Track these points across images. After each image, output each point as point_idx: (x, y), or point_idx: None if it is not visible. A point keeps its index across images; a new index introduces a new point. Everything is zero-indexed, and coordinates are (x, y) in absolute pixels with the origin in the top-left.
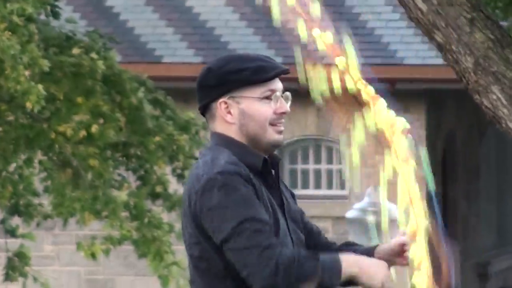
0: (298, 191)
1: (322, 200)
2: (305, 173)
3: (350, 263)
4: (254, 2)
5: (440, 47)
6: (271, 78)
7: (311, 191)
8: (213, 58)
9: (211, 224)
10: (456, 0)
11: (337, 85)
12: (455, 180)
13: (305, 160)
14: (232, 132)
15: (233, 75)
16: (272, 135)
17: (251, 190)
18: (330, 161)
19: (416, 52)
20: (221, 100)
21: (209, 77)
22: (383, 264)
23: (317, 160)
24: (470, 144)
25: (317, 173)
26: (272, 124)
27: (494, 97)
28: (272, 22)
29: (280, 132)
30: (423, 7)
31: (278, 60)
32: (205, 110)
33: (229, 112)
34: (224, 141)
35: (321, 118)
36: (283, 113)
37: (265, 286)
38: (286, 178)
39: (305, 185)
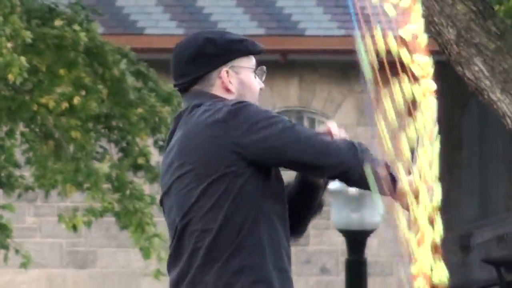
0: None
1: None
2: None
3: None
4: None
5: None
6: (263, 51)
7: None
8: (196, 30)
9: (260, 135)
10: None
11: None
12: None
13: None
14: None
15: (235, 45)
16: None
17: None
18: None
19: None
20: (224, 69)
21: (209, 47)
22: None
23: None
24: (452, 115)
25: None
26: None
27: (476, 68)
28: None
29: None
30: None
31: (261, 31)
32: (195, 80)
33: (230, 81)
34: (212, 97)
35: (303, 90)
36: (261, 89)
37: (349, 159)
38: None
39: None
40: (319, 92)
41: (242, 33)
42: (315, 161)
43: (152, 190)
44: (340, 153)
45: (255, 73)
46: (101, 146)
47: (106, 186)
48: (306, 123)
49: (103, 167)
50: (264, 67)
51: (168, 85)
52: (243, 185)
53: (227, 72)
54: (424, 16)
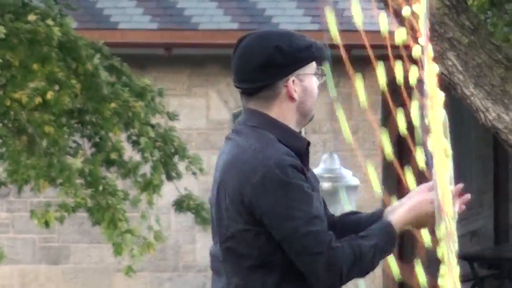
0: None
1: None
2: None
3: (400, 224)
4: None
5: (396, 14)
6: (326, 56)
7: None
8: (169, 24)
9: (270, 221)
10: None
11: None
12: (408, 148)
13: None
14: (289, 109)
15: (303, 53)
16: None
17: (307, 183)
18: None
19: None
20: (291, 78)
21: (278, 56)
22: (424, 206)
23: None
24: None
25: None
26: None
27: (450, 63)
28: None
29: None
30: None
31: (234, 26)
32: (261, 88)
33: (294, 90)
34: (266, 122)
35: None
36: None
37: (338, 281)
38: None
39: None
40: None
41: (216, 28)
42: (307, 274)
43: (125, 185)
44: (326, 282)
45: (317, 76)
46: (74, 141)
47: (79, 181)
48: None
49: (76, 162)
50: (324, 69)
51: (141, 80)
52: (265, 242)
53: (293, 81)
54: (397, 10)
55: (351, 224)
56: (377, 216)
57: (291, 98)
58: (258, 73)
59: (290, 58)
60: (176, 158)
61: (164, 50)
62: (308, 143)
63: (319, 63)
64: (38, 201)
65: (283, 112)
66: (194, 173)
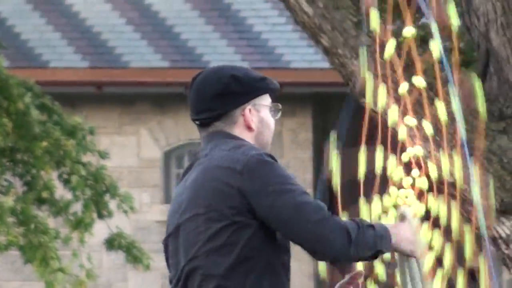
0: None
1: None
2: None
3: (393, 231)
4: (141, 7)
5: (326, 51)
6: (278, 90)
7: None
8: (100, 62)
9: (263, 201)
10: (342, 4)
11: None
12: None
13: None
14: (248, 139)
15: (258, 83)
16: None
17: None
18: None
19: (302, 55)
20: (248, 107)
21: (235, 84)
22: (416, 230)
23: None
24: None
25: None
26: None
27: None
28: (158, 26)
29: None
30: (309, 10)
31: (165, 64)
32: (219, 117)
33: (251, 119)
34: (230, 136)
35: None
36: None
37: (339, 255)
38: (173, 183)
39: None
40: None
41: (147, 66)
42: (307, 247)
43: (56, 223)
44: (331, 246)
45: (273, 110)
46: (5, 180)
47: (10, 219)
48: None
49: (8, 201)
50: (280, 105)
51: (72, 118)
52: (251, 236)
53: (250, 110)
54: (327, 48)
55: None
56: None
57: (249, 127)
58: (215, 102)
59: (246, 86)
60: (107, 197)
61: (95, 88)
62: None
63: (273, 98)
64: None
65: (235, 135)
66: (125, 211)
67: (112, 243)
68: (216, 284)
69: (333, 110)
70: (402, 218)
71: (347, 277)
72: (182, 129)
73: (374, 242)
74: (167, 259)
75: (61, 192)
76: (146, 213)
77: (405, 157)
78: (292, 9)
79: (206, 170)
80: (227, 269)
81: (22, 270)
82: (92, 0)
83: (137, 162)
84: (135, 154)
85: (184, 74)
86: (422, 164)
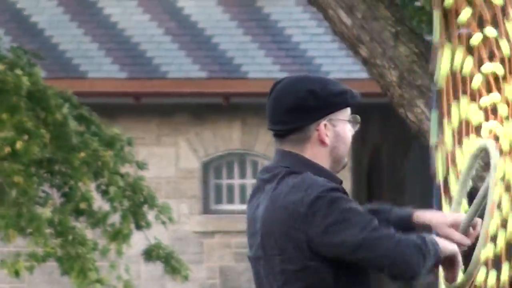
0: (223, 206)
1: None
2: (230, 188)
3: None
4: (179, 17)
5: (365, 61)
6: (359, 102)
7: (236, 206)
8: (138, 73)
9: (335, 239)
10: (381, 14)
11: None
12: (380, 195)
13: (230, 175)
14: (322, 154)
15: (336, 98)
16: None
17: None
18: (255, 175)
19: (340, 66)
20: (323, 122)
21: (311, 99)
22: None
23: (242, 175)
24: (396, 158)
25: (243, 187)
26: None
27: (419, 110)
28: (196, 36)
29: None
30: (348, 21)
31: (203, 74)
32: (293, 130)
33: (326, 135)
34: (299, 162)
35: (246, 133)
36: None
37: (417, 274)
38: (211, 194)
39: (231, 200)
40: (262, 136)
41: (185, 76)
42: (389, 271)
43: (94, 235)
44: (411, 268)
45: (351, 123)
46: (43, 191)
47: (48, 231)
48: (248, 166)
49: (46, 212)
50: (359, 117)
51: (110, 129)
52: (325, 277)
53: (325, 125)
54: (366, 58)
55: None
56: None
57: (323, 142)
58: (289, 115)
59: (322, 102)
60: (145, 207)
61: (133, 99)
62: (341, 182)
63: (355, 111)
64: (8, 251)
65: (316, 156)
66: (163, 222)
67: (150, 254)
68: None
69: (371, 120)
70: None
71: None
72: (221, 139)
73: (434, 250)
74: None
75: (99, 203)
76: (184, 224)
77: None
78: (331, 20)
79: (273, 209)
80: None
81: (60, 282)
82: (131, 11)
83: (175, 172)
84: (173, 164)
85: (222, 85)
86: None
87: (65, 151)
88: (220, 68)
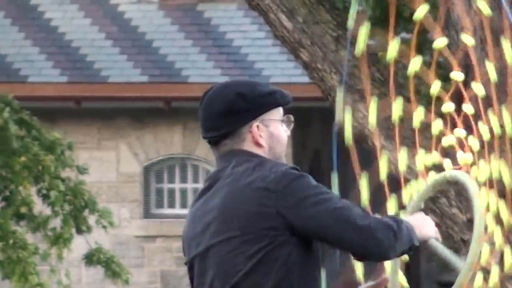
0: (164, 210)
1: None
2: (171, 192)
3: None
4: (120, 21)
5: (306, 65)
6: (290, 102)
7: (177, 210)
8: (79, 77)
9: (308, 213)
10: (322, 18)
11: None
12: None
13: (172, 179)
14: (261, 154)
15: (265, 98)
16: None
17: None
18: (196, 179)
19: (282, 70)
20: (255, 123)
21: (240, 102)
22: (429, 219)
23: (183, 179)
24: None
25: (184, 192)
26: None
27: (361, 115)
28: (137, 41)
29: None
30: (289, 25)
31: (144, 79)
32: (226, 135)
33: (260, 136)
34: (249, 155)
35: (187, 137)
36: (288, 136)
37: (388, 254)
38: (152, 198)
39: (172, 204)
40: (203, 140)
41: (126, 81)
42: (357, 252)
43: (35, 239)
44: (383, 247)
45: (283, 123)
46: None
47: None
48: (190, 170)
49: None
50: (292, 117)
51: (51, 133)
52: (289, 254)
53: (258, 126)
54: (307, 62)
55: None
56: None
57: (258, 144)
58: (221, 120)
59: (252, 103)
60: (86, 212)
61: (73, 103)
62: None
63: (287, 111)
64: None
65: (254, 152)
66: (104, 227)
67: (91, 258)
68: None
69: (312, 124)
70: (454, 182)
71: (371, 282)
72: (162, 144)
73: (408, 236)
74: (191, 279)
75: (39, 208)
76: (125, 228)
77: (444, 109)
78: (272, 24)
79: (235, 191)
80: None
81: (1, 286)
82: (71, 15)
83: (116, 177)
84: (114, 169)
85: (163, 89)
86: (473, 124)
87: (6, 155)
88: (161, 73)
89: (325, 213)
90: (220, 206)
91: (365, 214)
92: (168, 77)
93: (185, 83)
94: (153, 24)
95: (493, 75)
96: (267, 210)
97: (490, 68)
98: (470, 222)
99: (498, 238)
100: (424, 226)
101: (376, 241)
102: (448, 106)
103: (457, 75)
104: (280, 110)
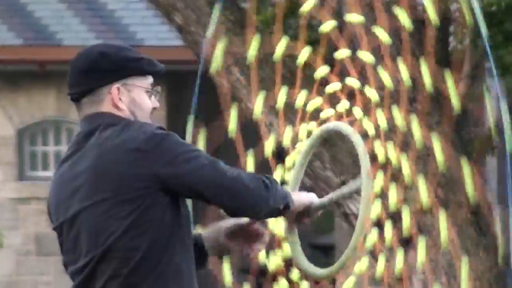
0: (38, 173)
1: None
2: (45, 155)
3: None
4: None
5: (180, 29)
6: (160, 72)
7: (51, 173)
8: None
9: (182, 169)
10: None
11: None
12: None
13: (46, 142)
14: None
15: (130, 63)
16: None
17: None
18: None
19: (155, 33)
20: (116, 85)
21: (102, 61)
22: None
23: (58, 142)
24: (211, 125)
25: (58, 154)
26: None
27: (234, 78)
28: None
29: None
30: None
31: (18, 41)
32: (85, 93)
33: (120, 99)
34: (112, 117)
35: (61, 100)
36: (155, 108)
37: (261, 205)
38: (26, 160)
39: (46, 167)
40: None
41: (0, 44)
42: (229, 204)
43: None
44: (253, 196)
45: (150, 92)
46: None
47: None
48: (64, 133)
49: None
50: (159, 88)
51: None
52: (162, 214)
53: (118, 89)
54: (181, 25)
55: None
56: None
57: (116, 106)
58: (82, 77)
59: (114, 65)
60: None
61: None
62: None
63: (156, 81)
64: None
65: (117, 114)
66: None
67: None
68: (133, 265)
69: (186, 88)
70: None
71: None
72: (36, 107)
73: (283, 194)
74: (61, 244)
75: None
76: None
77: (329, 89)
78: None
79: (104, 153)
80: (143, 249)
81: None
82: None
83: None
84: None
85: (37, 52)
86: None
87: None
88: (35, 36)
89: (197, 168)
90: (90, 169)
91: (235, 168)
92: (42, 40)
93: (59, 46)
94: None
95: (385, 38)
96: (139, 170)
97: (380, 32)
98: (344, 184)
99: (393, 196)
100: (302, 195)
101: (247, 190)
102: (333, 86)
103: (342, 53)
104: (148, 79)
